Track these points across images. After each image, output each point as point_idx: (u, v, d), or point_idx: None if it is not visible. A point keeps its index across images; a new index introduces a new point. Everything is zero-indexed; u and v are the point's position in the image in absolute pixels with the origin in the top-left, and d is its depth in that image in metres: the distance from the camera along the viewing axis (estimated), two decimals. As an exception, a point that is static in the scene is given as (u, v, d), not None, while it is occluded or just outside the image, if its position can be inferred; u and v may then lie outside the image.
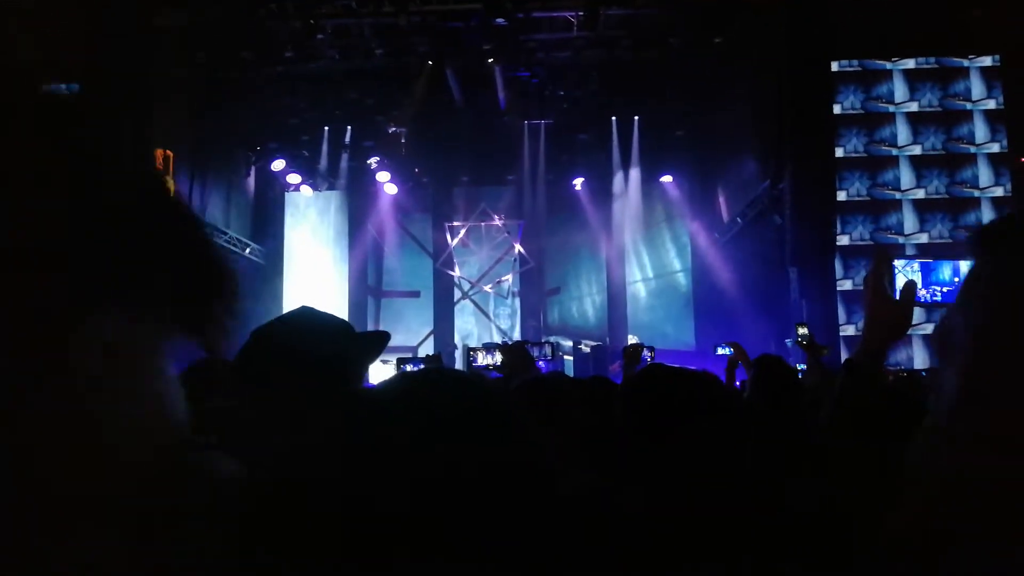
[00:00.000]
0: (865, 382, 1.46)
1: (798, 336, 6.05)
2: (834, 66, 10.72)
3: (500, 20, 10.52)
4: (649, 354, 8.55)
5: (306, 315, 1.37)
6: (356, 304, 15.77)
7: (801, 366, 6.06)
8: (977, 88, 10.76)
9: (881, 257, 1.51)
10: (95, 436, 0.40)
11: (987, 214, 10.46)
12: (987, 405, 0.59)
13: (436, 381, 0.85)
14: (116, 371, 0.41)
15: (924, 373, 6.82)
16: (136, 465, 0.42)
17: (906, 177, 10.70)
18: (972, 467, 0.60)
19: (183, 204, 0.48)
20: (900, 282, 1.45)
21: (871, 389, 1.45)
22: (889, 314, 1.42)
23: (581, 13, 10.59)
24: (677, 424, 1.24)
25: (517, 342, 5.26)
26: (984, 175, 10.60)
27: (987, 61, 10.75)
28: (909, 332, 1.44)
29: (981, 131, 10.69)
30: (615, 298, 16.11)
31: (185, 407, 0.48)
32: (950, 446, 0.63)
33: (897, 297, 1.42)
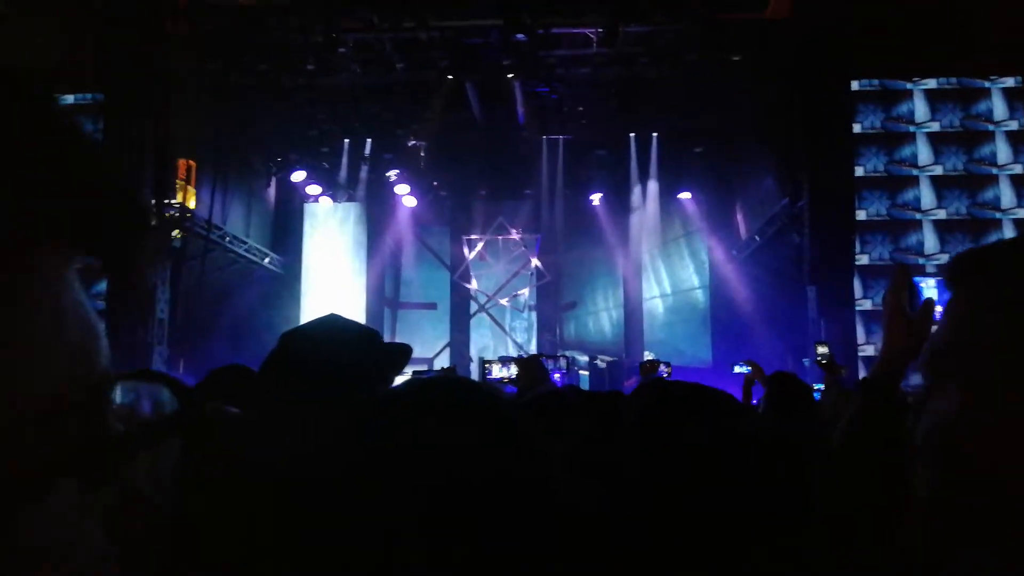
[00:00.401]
0: (881, 400, 1.45)
1: (818, 355, 6.01)
2: (854, 85, 10.69)
3: (520, 36, 10.58)
4: (666, 370, 8.53)
5: (333, 323, 1.38)
6: (373, 315, 15.83)
7: (818, 385, 6.02)
8: (999, 109, 10.68)
9: (900, 274, 1.50)
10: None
11: (1008, 235, 10.37)
12: (982, 424, 0.61)
13: (446, 385, 0.86)
14: (18, 303, 0.40)
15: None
16: (45, 404, 0.40)
17: (927, 197, 10.63)
18: (967, 485, 0.62)
19: (85, 136, 0.46)
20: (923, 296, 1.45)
21: (887, 407, 1.44)
22: (907, 332, 1.41)
23: (600, 30, 10.64)
24: (683, 432, 1.24)
25: (532, 355, 5.26)
26: (1006, 196, 10.52)
27: (1009, 82, 10.68)
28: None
29: (1003, 152, 10.60)
30: (631, 314, 16.06)
31: (107, 344, 0.46)
32: (943, 464, 0.65)
33: (915, 314, 1.42)
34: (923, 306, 1.42)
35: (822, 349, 6.00)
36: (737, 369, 7.05)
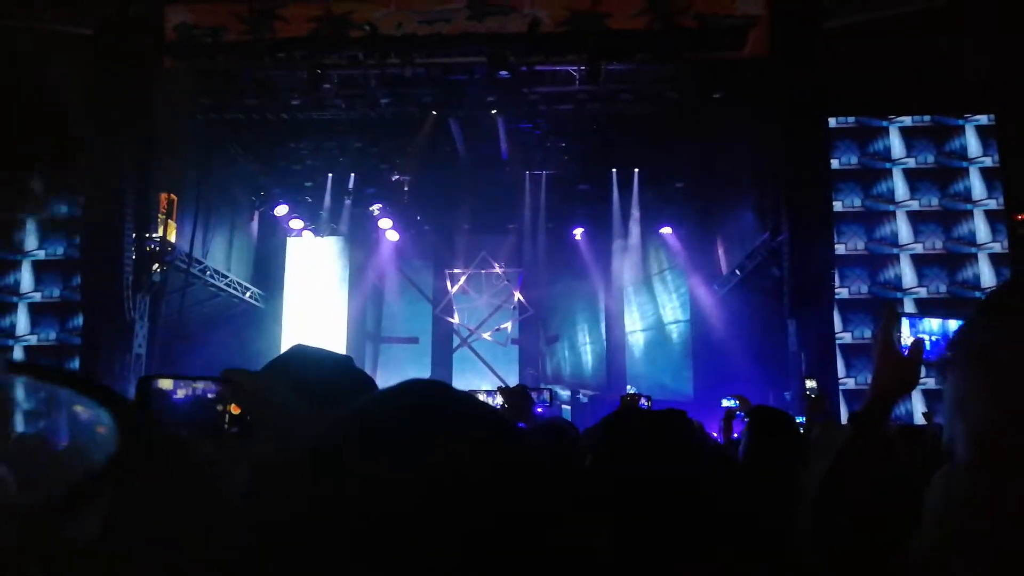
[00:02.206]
0: (869, 434, 1.46)
1: (807, 390, 6.05)
2: (831, 122, 10.88)
3: (504, 73, 10.71)
4: (647, 403, 8.51)
5: (303, 353, 1.33)
6: (354, 349, 15.71)
7: (800, 419, 6.03)
8: (973, 146, 10.91)
9: (890, 313, 1.52)
10: None
11: (984, 270, 10.53)
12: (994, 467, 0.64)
13: (430, 392, 0.69)
14: None
15: (926, 424, 6.83)
16: None
17: (903, 232, 10.79)
18: (986, 514, 0.64)
19: None
20: (906, 336, 1.48)
21: (875, 441, 1.45)
22: (897, 371, 1.43)
23: (583, 67, 10.79)
24: (646, 464, 1.24)
25: (519, 385, 5.22)
26: (981, 231, 10.70)
27: (983, 119, 10.92)
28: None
29: (978, 188, 10.81)
30: (613, 348, 16.08)
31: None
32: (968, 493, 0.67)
33: (905, 354, 1.44)
34: (913, 345, 1.44)
35: (811, 383, 6.06)
36: (725, 403, 7.08)
